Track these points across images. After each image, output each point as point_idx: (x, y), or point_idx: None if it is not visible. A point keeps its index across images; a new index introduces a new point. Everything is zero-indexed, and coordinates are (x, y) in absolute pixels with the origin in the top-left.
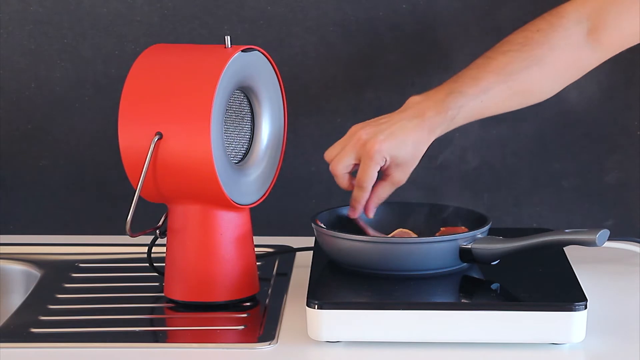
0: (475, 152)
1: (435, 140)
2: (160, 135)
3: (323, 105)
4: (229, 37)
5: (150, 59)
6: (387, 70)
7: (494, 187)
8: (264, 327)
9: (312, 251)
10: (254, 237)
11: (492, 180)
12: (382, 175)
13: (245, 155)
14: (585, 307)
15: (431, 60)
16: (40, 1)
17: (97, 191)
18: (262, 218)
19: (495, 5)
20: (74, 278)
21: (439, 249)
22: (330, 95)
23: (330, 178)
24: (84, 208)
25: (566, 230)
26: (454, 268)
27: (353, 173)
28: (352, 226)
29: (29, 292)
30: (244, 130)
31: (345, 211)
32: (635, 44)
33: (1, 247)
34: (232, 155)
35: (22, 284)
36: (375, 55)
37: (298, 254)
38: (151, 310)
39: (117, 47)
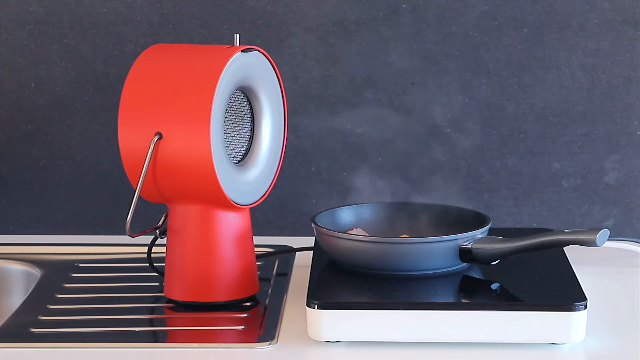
0: (475, 152)
1: (435, 139)
2: (160, 136)
3: (323, 105)
4: (238, 35)
5: (150, 59)
6: (387, 70)
7: (494, 187)
8: (264, 327)
9: (312, 251)
10: (254, 237)
11: (492, 180)
12: None
13: (245, 155)
14: (585, 307)
15: (431, 60)
16: (40, 1)
17: (97, 191)
18: (262, 218)
19: (495, 5)
20: (74, 278)
21: (439, 249)
22: (330, 95)
23: (330, 178)
24: (84, 208)
25: (566, 230)
26: (454, 268)
27: None
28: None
29: (29, 292)
30: (244, 130)
31: (345, 211)
32: None
33: (1, 247)
34: (232, 155)
35: (22, 284)
36: (375, 55)
37: (298, 254)
38: (151, 310)
39: (117, 47)
